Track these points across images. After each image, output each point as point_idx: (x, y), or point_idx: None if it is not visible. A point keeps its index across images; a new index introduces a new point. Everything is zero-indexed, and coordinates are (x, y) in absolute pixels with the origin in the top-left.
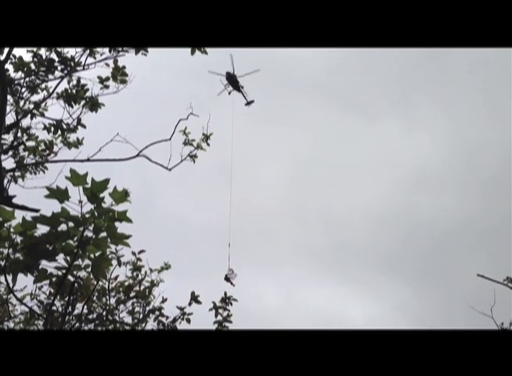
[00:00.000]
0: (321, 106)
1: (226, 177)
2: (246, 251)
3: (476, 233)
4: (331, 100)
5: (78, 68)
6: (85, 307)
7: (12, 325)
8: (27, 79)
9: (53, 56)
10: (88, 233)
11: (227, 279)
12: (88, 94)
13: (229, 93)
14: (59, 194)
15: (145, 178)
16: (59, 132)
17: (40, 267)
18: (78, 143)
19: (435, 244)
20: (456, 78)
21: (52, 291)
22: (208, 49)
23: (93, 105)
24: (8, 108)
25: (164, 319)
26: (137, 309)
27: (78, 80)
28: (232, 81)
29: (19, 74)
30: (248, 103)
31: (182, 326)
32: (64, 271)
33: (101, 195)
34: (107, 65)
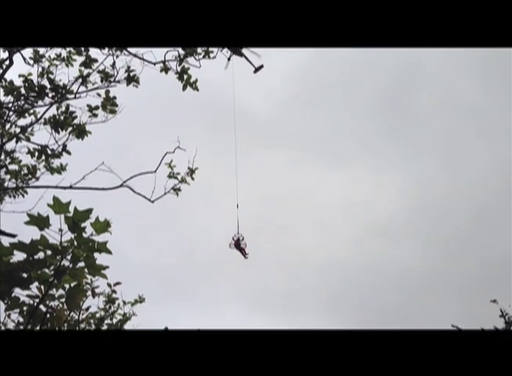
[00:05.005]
0: (281, 148)
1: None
2: (188, 290)
3: (445, 285)
4: (293, 143)
5: (69, 96)
6: None
7: None
8: (16, 103)
9: (45, 82)
10: (66, 263)
11: (237, 246)
12: (76, 121)
13: (229, 59)
14: (40, 221)
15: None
16: (43, 157)
17: (13, 295)
18: (62, 169)
19: (402, 295)
20: (423, 121)
21: (22, 320)
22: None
23: (80, 132)
24: None
25: None
26: None
27: (67, 107)
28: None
29: (9, 98)
30: (257, 70)
31: None
32: (37, 300)
33: (82, 225)
34: (99, 95)
